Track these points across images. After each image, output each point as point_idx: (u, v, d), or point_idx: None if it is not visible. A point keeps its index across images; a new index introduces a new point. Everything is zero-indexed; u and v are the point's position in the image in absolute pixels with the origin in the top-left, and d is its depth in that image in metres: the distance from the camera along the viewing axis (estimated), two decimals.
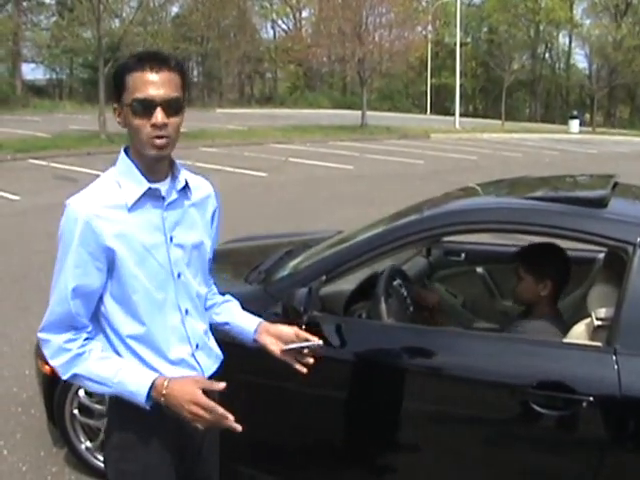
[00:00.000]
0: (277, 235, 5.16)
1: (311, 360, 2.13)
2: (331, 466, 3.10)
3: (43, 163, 16.48)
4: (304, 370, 2.12)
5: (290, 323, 2.80)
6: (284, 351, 2.14)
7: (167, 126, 1.86)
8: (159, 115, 1.83)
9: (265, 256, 3.79)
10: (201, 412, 1.84)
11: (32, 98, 39.61)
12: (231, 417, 1.87)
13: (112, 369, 1.91)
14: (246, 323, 2.25)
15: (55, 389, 3.55)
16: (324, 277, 2.90)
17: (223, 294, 2.36)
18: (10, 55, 41.23)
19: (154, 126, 1.84)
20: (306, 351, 2.12)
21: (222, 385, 1.88)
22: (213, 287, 2.33)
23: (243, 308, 2.35)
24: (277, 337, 2.17)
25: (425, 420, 2.86)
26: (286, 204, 11.79)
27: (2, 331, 5.70)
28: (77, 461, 3.75)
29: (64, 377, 1.96)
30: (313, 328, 2.82)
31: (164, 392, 1.87)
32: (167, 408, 1.89)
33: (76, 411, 3.59)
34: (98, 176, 2.00)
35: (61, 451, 3.90)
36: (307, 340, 2.13)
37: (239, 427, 1.88)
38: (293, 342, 2.14)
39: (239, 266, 3.89)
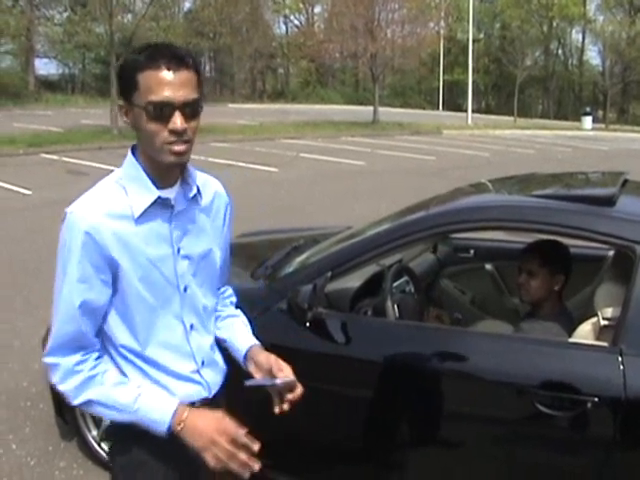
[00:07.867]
0: (287, 230, 5.16)
1: (285, 406, 1.93)
2: (336, 462, 3.10)
3: (55, 157, 16.54)
4: (276, 410, 1.95)
5: (295, 320, 2.82)
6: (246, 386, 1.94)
7: (186, 131, 1.68)
8: (178, 120, 1.65)
9: (273, 251, 3.79)
10: (229, 447, 1.71)
11: (44, 93, 39.72)
12: (257, 466, 1.73)
13: (131, 395, 1.77)
14: (241, 344, 2.06)
15: None
16: (330, 273, 2.89)
17: (237, 307, 2.21)
18: (23, 50, 41.39)
19: (172, 132, 1.66)
20: (290, 396, 1.92)
21: (256, 446, 1.73)
22: (227, 297, 2.18)
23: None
24: (257, 365, 1.98)
25: (429, 418, 2.85)
26: (297, 199, 11.78)
27: (13, 325, 5.74)
28: (85, 456, 3.77)
29: (75, 402, 1.79)
30: (318, 325, 2.86)
31: (184, 418, 1.75)
32: (181, 436, 1.75)
33: None
34: (110, 171, 1.84)
35: (69, 445, 3.93)
36: (274, 377, 1.91)
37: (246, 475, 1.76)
38: (271, 376, 1.93)
39: (247, 261, 3.89)
